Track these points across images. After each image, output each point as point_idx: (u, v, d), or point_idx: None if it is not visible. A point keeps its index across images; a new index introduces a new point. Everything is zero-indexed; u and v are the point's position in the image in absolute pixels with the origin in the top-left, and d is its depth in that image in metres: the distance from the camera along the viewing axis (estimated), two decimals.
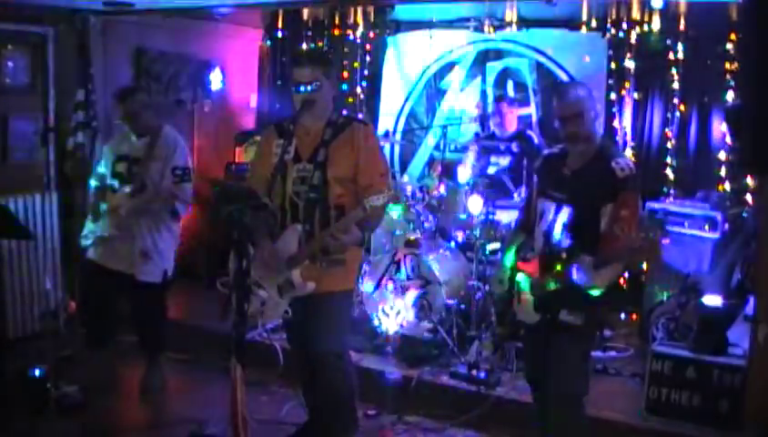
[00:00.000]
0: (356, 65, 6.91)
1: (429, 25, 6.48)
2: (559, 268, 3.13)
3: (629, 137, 5.79)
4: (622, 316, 5.47)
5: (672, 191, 5.55)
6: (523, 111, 6.06)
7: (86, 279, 4.68)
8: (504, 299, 3.50)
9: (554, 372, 3.23)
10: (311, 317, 3.45)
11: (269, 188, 3.26)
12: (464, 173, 5.42)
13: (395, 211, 5.28)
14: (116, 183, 4.46)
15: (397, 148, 6.91)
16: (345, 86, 6.84)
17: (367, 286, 5.15)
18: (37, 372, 4.29)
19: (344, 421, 3.58)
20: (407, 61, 6.81)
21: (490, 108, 6.26)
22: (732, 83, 5.21)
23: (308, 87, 3.35)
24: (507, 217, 5.04)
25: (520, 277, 3.36)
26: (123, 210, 4.38)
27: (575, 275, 3.01)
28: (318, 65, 3.41)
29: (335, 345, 3.50)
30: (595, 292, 3.08)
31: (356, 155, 3.38)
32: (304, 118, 3.41)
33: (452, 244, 5.42)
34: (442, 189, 5.33)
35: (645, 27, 5.68)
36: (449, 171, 5.75)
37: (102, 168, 4.62)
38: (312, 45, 6.99)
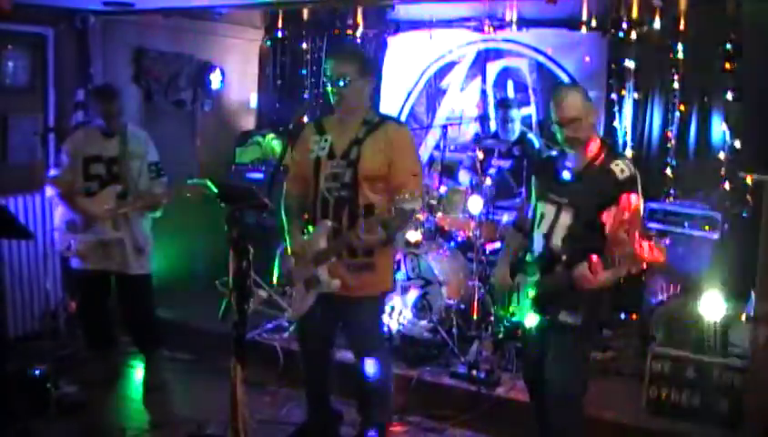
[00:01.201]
0: None
1: (428, 24, 6.48)
2: (558, 270, 3.14)
3: (629, 137, 5.78)
4: (622, 316, 5.47)
5: (672, 191, 5.55)
6: (524, 111, 6.06)
7: (83, 288, 4.64)
8: (504, 300, 3.50)
9: (553, 373, 3.23)
10: (348, 322, 3.56)
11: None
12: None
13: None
14: (93, 186, 4.40)
15: None
16: None
17: None
18: (37, 372, 4.28)
19: (390, 406, 3.78)
20: (407, 61, 6.80)
21: (490, 109, 6.27)
22: (732, 83, 5.20)
23: (339, 82, 3.35)
24: (508, 217, 5.05)
25: (519, 277, 3.36)
26: (127, 212, 4.35)
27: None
28: (349, 61, 3.42)
29: (376, 344, 3.61)
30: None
31: (389, 154, 3.37)
32: (339, 115, 3.43)
33: (452, 244, 5.42)
34: (442, 189, 5.33)
35: (645, 27, 5.67)
36: (449, 171, 5.75)
37: (56, 173, 4.50)
38: (312, 45, 6.99)
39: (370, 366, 3.62)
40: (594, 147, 3.22)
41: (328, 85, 3.41)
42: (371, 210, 3.34)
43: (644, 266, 2.93)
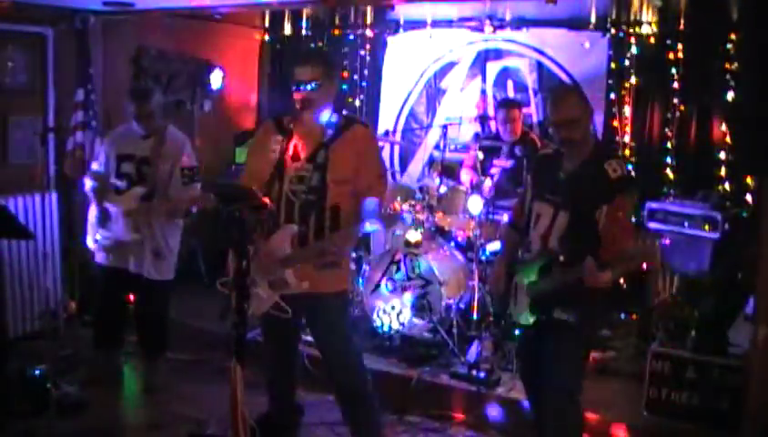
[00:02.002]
0: (356, 65, 6.91)
1: (428, 24, 6.48)
2: (556, 270, 3.14)
3: (629, 137, 5.78)
4: (622, 316, 5.47)
5: (671, 191, 5.55)
6: (524, 111, 6.05)
7: (102, 284, 4.64)
8: (501, 299, 3.51)
9: (550, 372, 3.23)
10: (314, 320, 3.50)
11: (268, 187, 3.25)
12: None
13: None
14: (122, 184, 4.40)
15: (397, 148, 6.91)
16: (345, 86, 6.83)
17: (367, 286, 5.15)
18: (37, 372, 4.28)
19: (371, 404, 3.60)
20: (407, 61, 6.80)
21: (490, 109, 6.27)
22: (733, 83, 5.20)
23: (308, 86, 3.34)
24: (508, 217, 5.05)
25: (517, 277, 3.36)
26: (152, 215, 4.34)
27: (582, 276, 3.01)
28: (319, 64, 3.41)
29: (344, 340, 3.53)
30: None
31: (356, 157, 3.36)
32: (303, 117, 3.40)
33: (452, 244, 5.42)
34: (443, 189, 5.33)
35: (645, 27, 5.67)
36: (449, 171, 5.75)
37: (98, 167, 4.55)
38: (313, 45, 7.00)
39: (340, 365, 3.54)
40: (589, 147, 3.24)
41: (295, 88, 3.38)
42: (337, 211, 3.33)
43: (644, 265, 2.94)
